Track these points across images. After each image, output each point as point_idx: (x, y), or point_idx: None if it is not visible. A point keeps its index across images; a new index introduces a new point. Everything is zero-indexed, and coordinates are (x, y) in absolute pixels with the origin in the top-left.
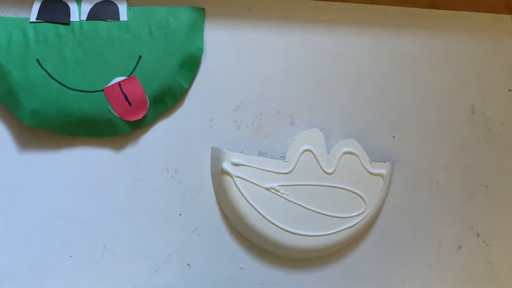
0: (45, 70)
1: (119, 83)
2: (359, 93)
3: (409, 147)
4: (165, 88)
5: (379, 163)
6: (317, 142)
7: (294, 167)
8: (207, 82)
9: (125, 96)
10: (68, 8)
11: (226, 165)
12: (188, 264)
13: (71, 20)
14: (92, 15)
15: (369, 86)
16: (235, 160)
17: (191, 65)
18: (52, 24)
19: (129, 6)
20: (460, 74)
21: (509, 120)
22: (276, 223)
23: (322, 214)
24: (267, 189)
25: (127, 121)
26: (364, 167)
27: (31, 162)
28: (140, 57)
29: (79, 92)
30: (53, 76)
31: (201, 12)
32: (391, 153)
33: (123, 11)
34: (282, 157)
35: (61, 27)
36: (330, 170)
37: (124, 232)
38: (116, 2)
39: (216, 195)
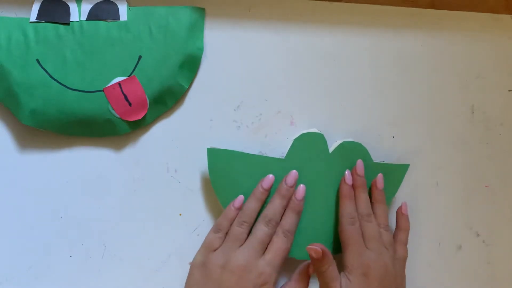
0: (45, 70)
1: (119, 83)
2: (359, 93)
3: (409, 147)
4: (165, 88)
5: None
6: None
7: None
8: (207, 82)
9: (125, 96)
10: (68, 8)
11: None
12: (189, 264)
13: (71, 20)
14: (92, 15)
15: (369, 86)
16: None
17: (191, 65)
18: (52, 24)
19: (129, 6)
20: (460, 74)
21: (509, 120)
22: None
23: None
24: None
25: (127, 121)
26: None
27: (31, 162)
28: (140, 57)
29: (79, 92)
30: (53, 76)
31: (201, 12)
32: (391, 153)
33: (123, 11)
34: (282, 157)
35: (61, 27)
36: None
37: (124, 232)
38: (116, 2)
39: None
